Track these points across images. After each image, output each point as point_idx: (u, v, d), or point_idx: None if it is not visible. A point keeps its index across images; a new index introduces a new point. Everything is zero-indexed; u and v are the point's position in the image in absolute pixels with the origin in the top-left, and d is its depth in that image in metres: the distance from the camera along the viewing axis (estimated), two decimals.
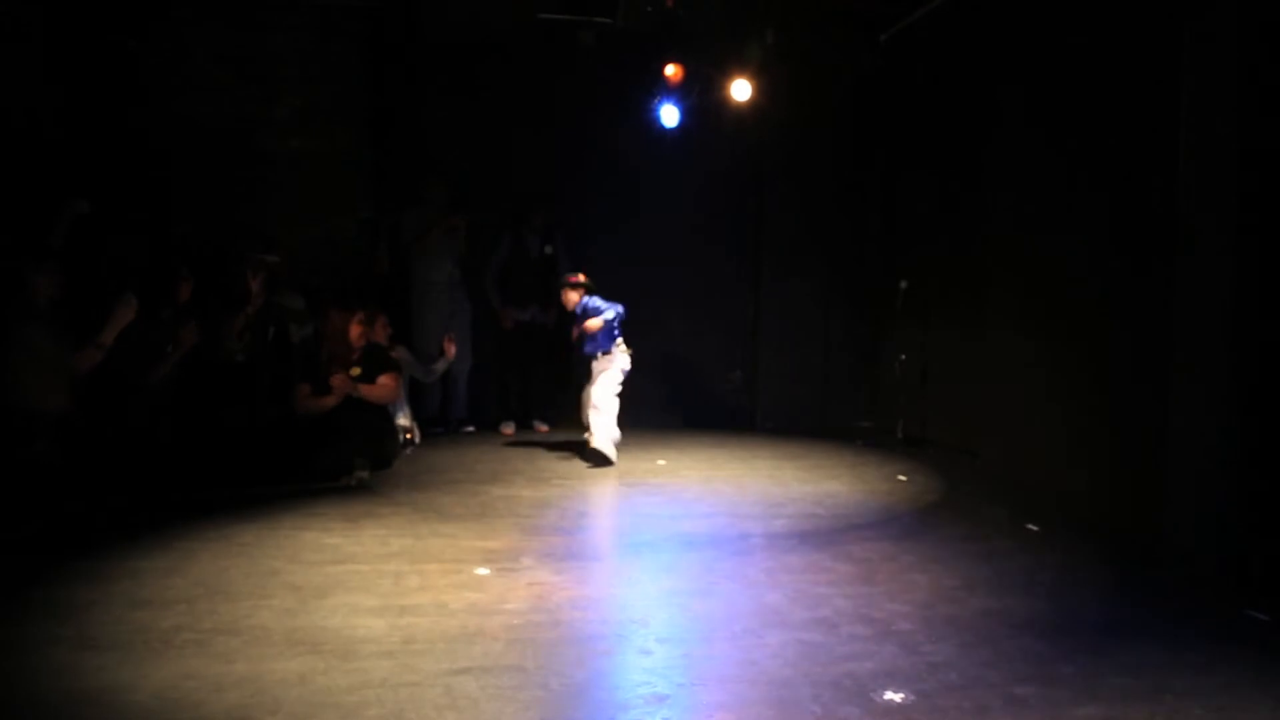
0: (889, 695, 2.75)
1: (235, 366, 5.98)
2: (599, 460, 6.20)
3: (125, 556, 3.95)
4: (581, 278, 6.69)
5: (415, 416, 6.98)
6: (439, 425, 7.45)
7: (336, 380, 5.74)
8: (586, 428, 6.43)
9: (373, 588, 3.64)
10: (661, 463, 6.44)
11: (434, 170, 7.59)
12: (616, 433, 6.41)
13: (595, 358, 6.46)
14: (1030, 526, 4.71)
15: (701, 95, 7.72)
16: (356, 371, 5.88)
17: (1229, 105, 3.86)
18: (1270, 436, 3.79)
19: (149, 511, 4.70)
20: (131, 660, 2.89)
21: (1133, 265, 4.62)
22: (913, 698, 2.74)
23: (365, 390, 5.82)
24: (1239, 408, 3.82)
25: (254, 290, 6.12)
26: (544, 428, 7.70)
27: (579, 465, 6.22)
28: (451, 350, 6.92)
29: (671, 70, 7.59)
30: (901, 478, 6.00)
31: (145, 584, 3.61)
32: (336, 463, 5.55)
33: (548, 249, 7.58)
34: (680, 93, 7.72)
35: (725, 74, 7.52)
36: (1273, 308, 3.79)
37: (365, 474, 5.57)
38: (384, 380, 5.92)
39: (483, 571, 3.88)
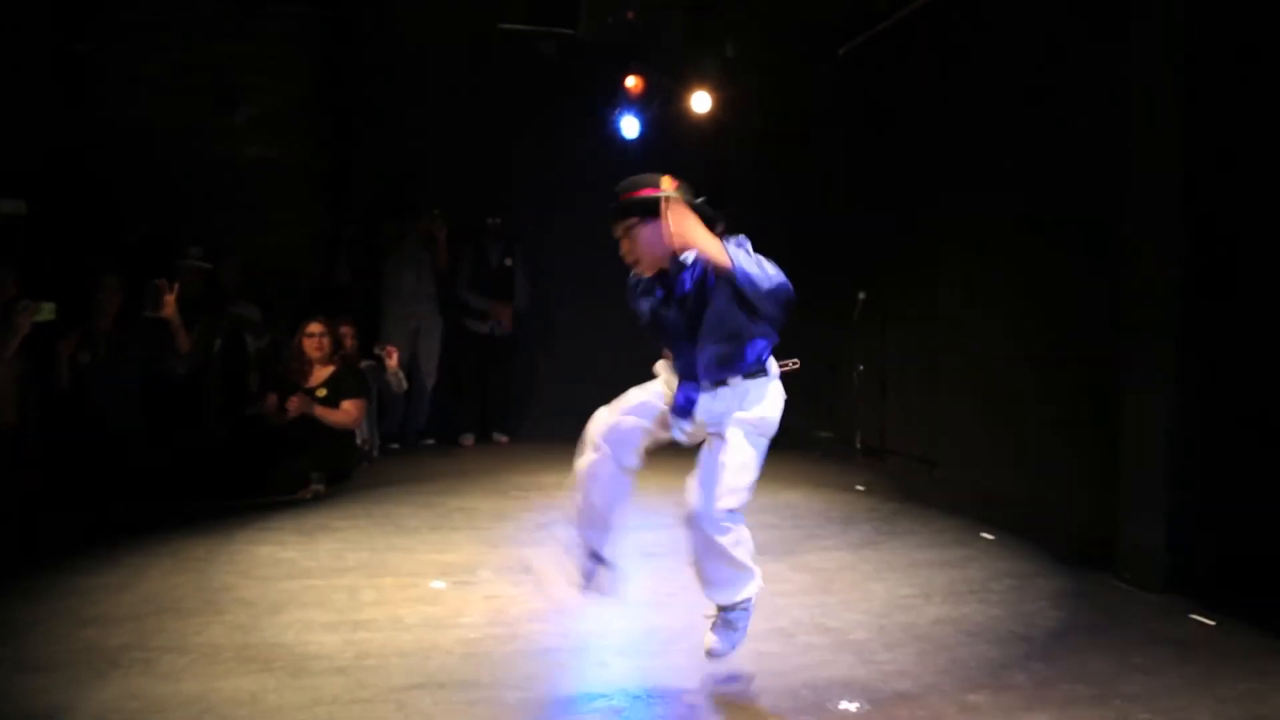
0: (844, 705, 2.77)
1: (177, 381, 5.81)
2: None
3: (72, 573, 3.86)
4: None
5: (379, 430, 6.89)
6: (396, 440, 7.36)
7: (293, 401, 5.68)
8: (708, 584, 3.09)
9: (327, 603, 3.59)
10: None
11: (408, 179, 7.56)
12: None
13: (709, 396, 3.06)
14: (985, 535, 4.77)
15: (662, 107, 7.76)
16: (323, 393, 5.82)
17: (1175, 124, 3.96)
18: (1215, 443, 3.88)
19: (97, 527, 4.60)
20: (75, 681, 2.82)
21: (1086, 272, 4.71)
22: (868, 707, 2.75)
23: (322, 413, 5.75)
24: (1185, 415, 3.90)
25: (166, 300, 5.55)
26: (504, 439, 7.67)
27: (538, 477, 6.14)
28: (391, 361, 6.69)
29: (632, 82, 7.62)
30: (859, 488, 6.04)
31: (92, 601, 3.54)
32: (292, 476, 5.48)
33: (507, 261, 7.57)
34: (641, 104, 7.76)
35: (686, 86, 7.56)
36: (1217, 316, 3.87)
37: (321, 487, 5.50)
38: (346, 406, 5.85)
39: (439, 585, 3.85)
